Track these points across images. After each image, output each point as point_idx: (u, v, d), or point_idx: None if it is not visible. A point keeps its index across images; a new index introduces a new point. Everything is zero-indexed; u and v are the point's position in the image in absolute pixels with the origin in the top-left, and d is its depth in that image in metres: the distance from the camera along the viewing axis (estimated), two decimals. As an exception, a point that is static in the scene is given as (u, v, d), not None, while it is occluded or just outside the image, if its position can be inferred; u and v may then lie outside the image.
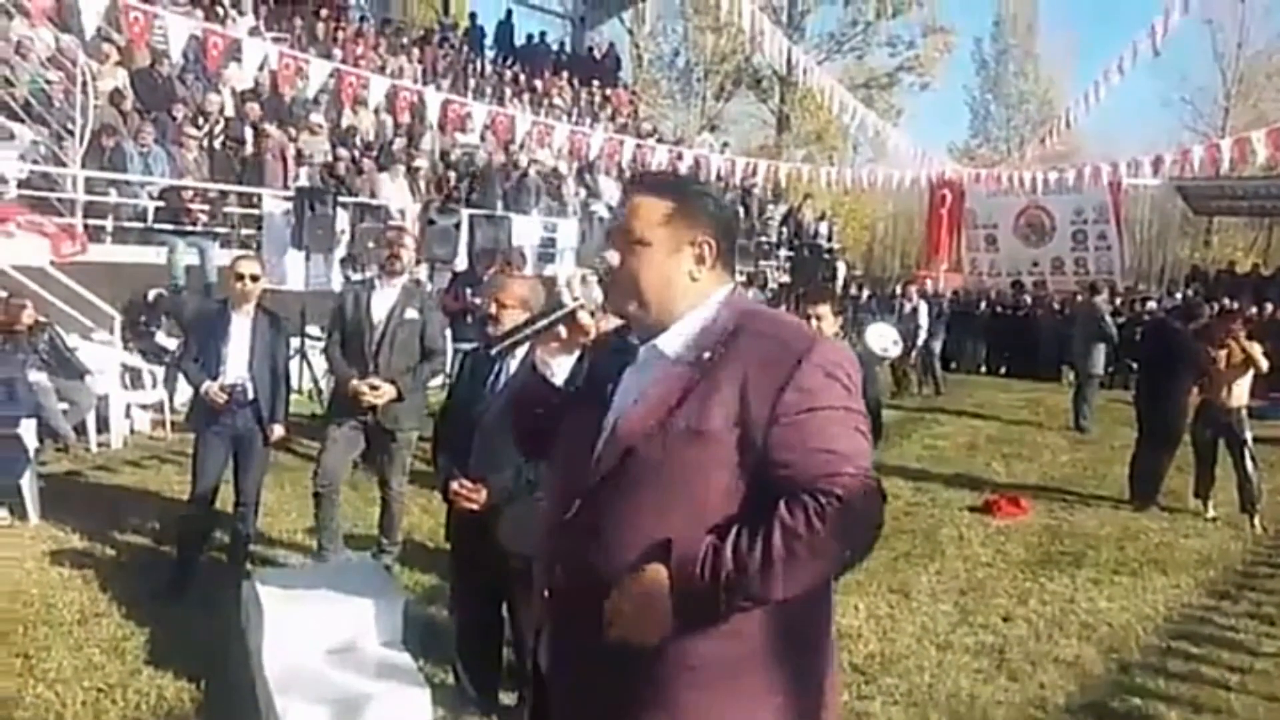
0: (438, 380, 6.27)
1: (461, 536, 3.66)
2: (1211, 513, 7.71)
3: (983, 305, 19.89)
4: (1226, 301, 16.85)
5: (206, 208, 10.59)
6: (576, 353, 1.92)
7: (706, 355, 1.72)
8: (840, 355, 1.73)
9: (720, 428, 1.66)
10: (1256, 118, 29.00)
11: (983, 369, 18.82)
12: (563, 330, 1.88)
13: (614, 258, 1.82)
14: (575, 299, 1.85)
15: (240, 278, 5.00)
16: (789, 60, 19.11)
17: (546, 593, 1.82)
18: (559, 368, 1.92)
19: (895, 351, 9.57)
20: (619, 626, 1.65)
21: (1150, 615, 5.43)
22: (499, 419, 3.50)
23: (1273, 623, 5.41)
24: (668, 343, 1.78)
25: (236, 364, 4.96)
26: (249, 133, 12.05)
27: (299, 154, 12.26)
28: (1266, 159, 15.77)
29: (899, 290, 14.91)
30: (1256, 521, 7.54)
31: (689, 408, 1.68)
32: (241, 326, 5.02)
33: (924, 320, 13.62)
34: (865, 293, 19.29)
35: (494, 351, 1.87)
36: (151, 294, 9.42)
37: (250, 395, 4.93)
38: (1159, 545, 6.88)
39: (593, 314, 1.89)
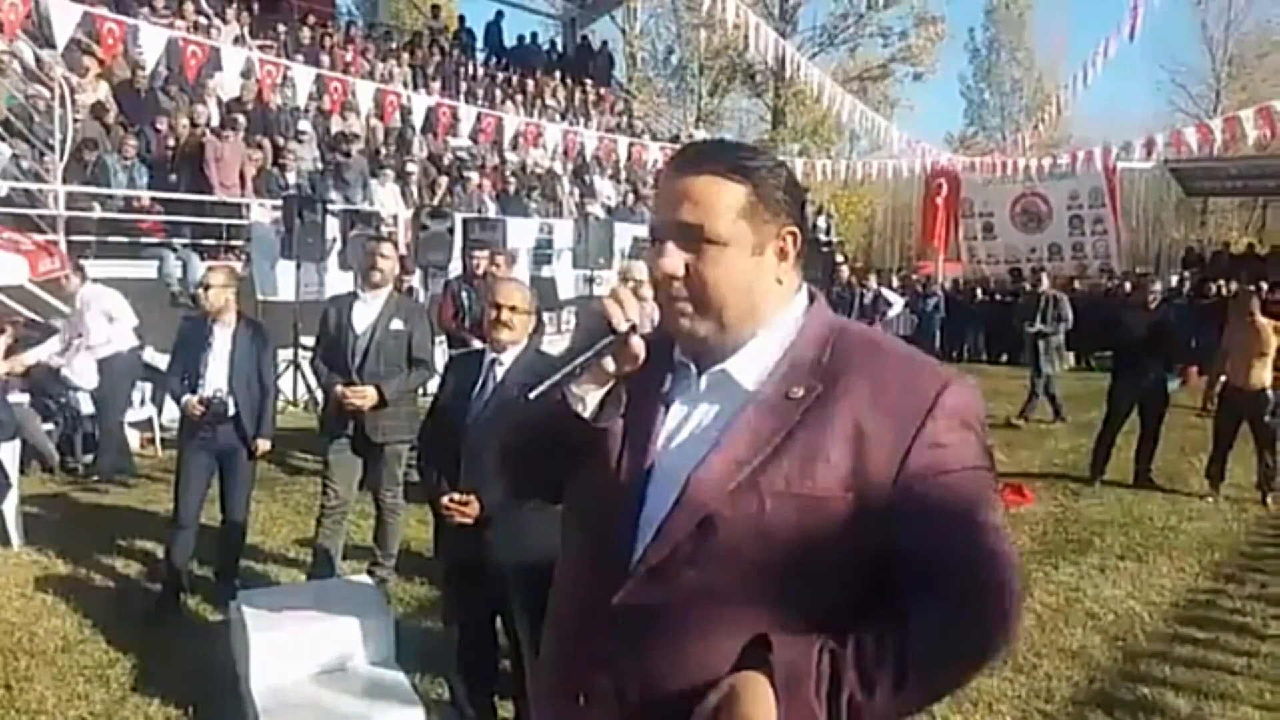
0: (434, 385, 6.19)
1: (454, 549, 3.58)
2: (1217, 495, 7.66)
3: (980, 293, 19.85)
4: (1223, 282, 16.81)
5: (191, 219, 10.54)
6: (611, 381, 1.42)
7: (799, 391, 1.32)
8: (975, 398, 1.35)
9: (831, 489, 1.26)
10: (1247, 98, 28.94)
11: (983, 357, 18.77)
12: (611, 363, 1.37)
13: (675, 263, 1.35)
14: (628, 320, 1.35)
15: (207, 288, 4.94)
16: (781, 55, 19.02)
17: (581, 699, 1.36)
18: (590, 397, 1.39)
19: None
20: None
21: (1156, 601, 5.39)
22: (489, 428, 3.43)
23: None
24: (743, 370, 1.37)
25: (216, 376, 4.88)
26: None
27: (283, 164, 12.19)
28: (1257, 138, 15.71)
29: (853, 280, 14.19)
30: (1270, 500, 7.49)
31: (787, 462, 1.28)
32: (222, 338, 4.94)
33: (896, 310, 13.31)
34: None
35: (533, 397, 1.34)
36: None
37: (230, 408, 4.84)
38: (1163, 530, 6.82)
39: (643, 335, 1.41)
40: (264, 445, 5.04)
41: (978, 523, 1.29)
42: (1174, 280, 18.42)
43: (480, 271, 8.18)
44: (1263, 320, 7.58)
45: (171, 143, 11.09)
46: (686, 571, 1.30)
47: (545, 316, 5.43)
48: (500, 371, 3.49)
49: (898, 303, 13.69)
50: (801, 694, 1.18)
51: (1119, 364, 8.45)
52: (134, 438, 8.61)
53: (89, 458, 7.76)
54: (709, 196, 1.34)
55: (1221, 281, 17.85)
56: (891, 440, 1.28)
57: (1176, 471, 8.39)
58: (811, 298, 1.44)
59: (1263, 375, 7.51)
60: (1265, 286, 16.55)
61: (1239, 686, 4.31)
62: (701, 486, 1.30)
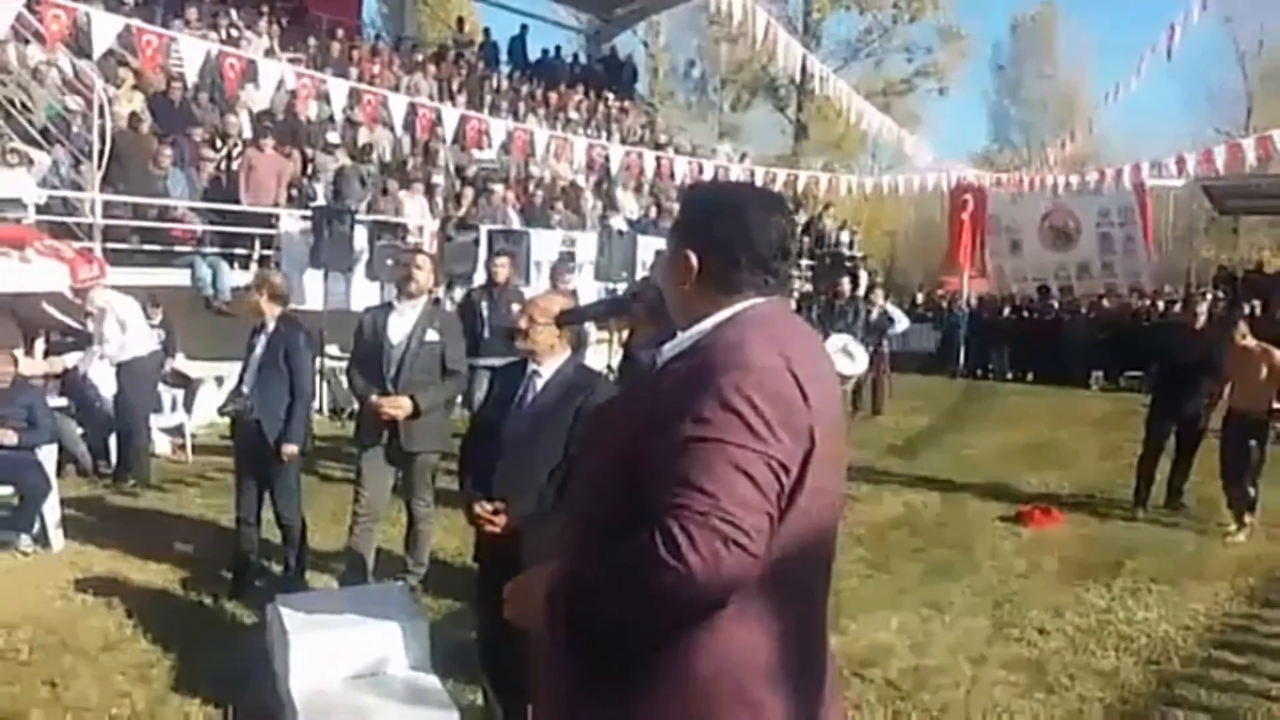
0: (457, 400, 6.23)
1: (487, 556, 3.60)
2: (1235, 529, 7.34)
3: (1007, 311, 19.73)
4: (1256, 303, 16.62)
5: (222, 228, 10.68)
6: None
7: (669, 368, 1.67)
8: (753, 386, 1.52)
9: (626, 443, 1.59)
10: (1280, 115, 28.70)
11: (1008, 375, 18.67)
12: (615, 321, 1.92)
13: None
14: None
15: (245, 290, 5.08)
16: (804, 68, 19.03)
17: None
18: (645, 355, 1.92)
19: (855, 368, 7.69)
20: (508, 608, 1.75)
21: (1190, 625, 5.33)
22: (526, 438, 3.46)
23: (1318, 631, 5.28)
24: (666, 350, 1.73)
25: (249, 380, 5.01)
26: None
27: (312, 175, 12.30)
28: (1291, 158, 15.60)
29: (863, 295, 13.82)
30: (1248, 522, 7.27)
31: (619, 411, 1.70)
32: (261, 343, 5.04)
33: (900, 327, 13.13)
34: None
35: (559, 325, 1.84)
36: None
37: (252, 412, 4.91)
38: (1195, 553, 6.75)
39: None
40: (288, 449, 5.02)
41: (705, 482, 1.45)
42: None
43: (501, 280, 8.20)
44: (1252, 342, 7.35)
45: (205, 152, 11.22)
46: (572, 481, 1.83)
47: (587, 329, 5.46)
48: (539, 383, 3.50)
49: (902, 320, 13.53)
50: (537, 592, 1.60)
51: (1160, 387, 8.25)
52: (165, 443, 8.71)
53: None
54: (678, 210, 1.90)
55: (1256, 302, 17.64)
56: (672, 409, 1.53)
57: (1207, 495, 8.29)
58: (749, 307, 1.69)
59: (1262, 399, 7.24)
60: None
61: (1275, 712, 4.26)
62: (594, 420, 1.89)
